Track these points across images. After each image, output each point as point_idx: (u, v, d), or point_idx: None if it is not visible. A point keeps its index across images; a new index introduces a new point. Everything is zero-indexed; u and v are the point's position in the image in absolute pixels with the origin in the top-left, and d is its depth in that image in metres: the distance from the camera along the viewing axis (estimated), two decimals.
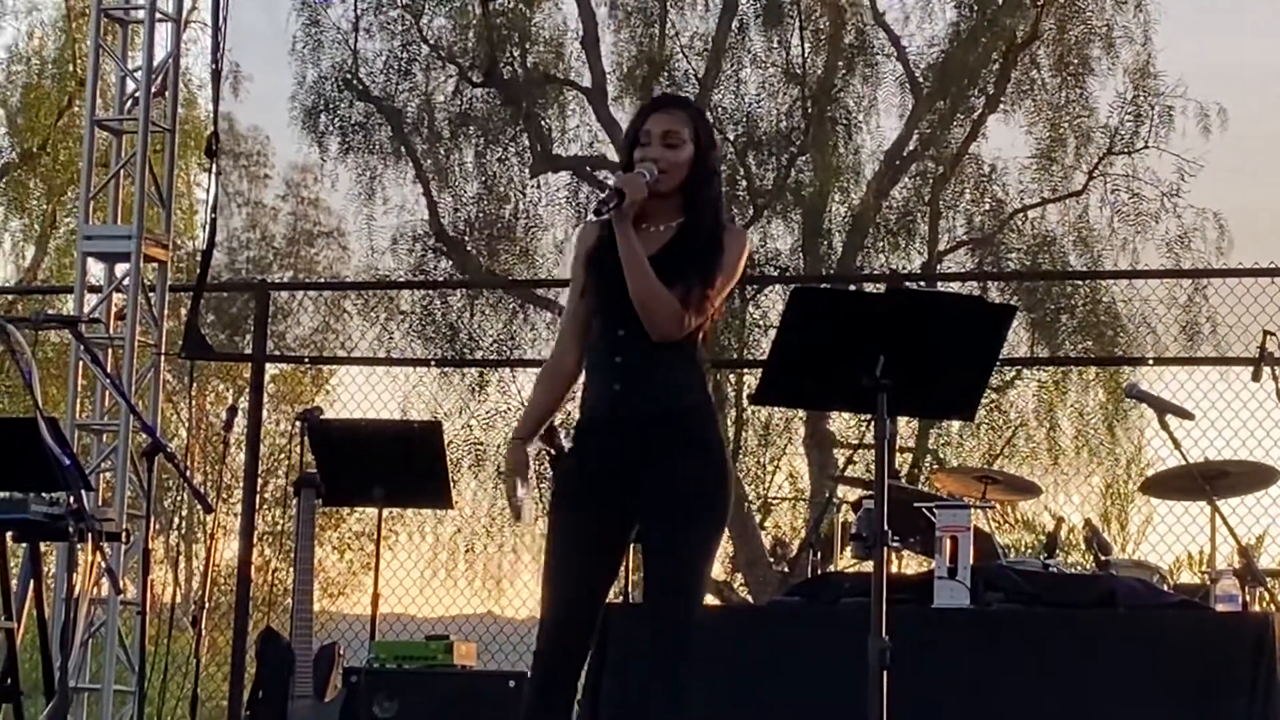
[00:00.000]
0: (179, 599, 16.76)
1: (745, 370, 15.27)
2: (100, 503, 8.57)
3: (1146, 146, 16.14)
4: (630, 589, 6.83)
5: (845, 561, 7.07)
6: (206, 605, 7.38)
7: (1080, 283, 15.68)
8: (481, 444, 16.15)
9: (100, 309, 8.83)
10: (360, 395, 11.20)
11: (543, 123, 16.77)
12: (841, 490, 7.99)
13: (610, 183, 4.44)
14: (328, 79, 16.95)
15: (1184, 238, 16.00)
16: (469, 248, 16.80)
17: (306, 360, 14.83)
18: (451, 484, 7.96)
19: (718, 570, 15.64)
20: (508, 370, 16.24)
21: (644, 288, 4.45)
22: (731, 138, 16.54)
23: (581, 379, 4.69)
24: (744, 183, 16.52)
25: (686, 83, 16.66)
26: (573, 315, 4.69)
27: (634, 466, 4.48)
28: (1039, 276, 15.97)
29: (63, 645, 6.62)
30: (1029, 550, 12.92)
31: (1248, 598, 6.40)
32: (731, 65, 16.66)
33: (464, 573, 16.00)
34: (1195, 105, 15.99)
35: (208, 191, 9.76)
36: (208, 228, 9.48)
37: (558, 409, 4.79)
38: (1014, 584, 6.22)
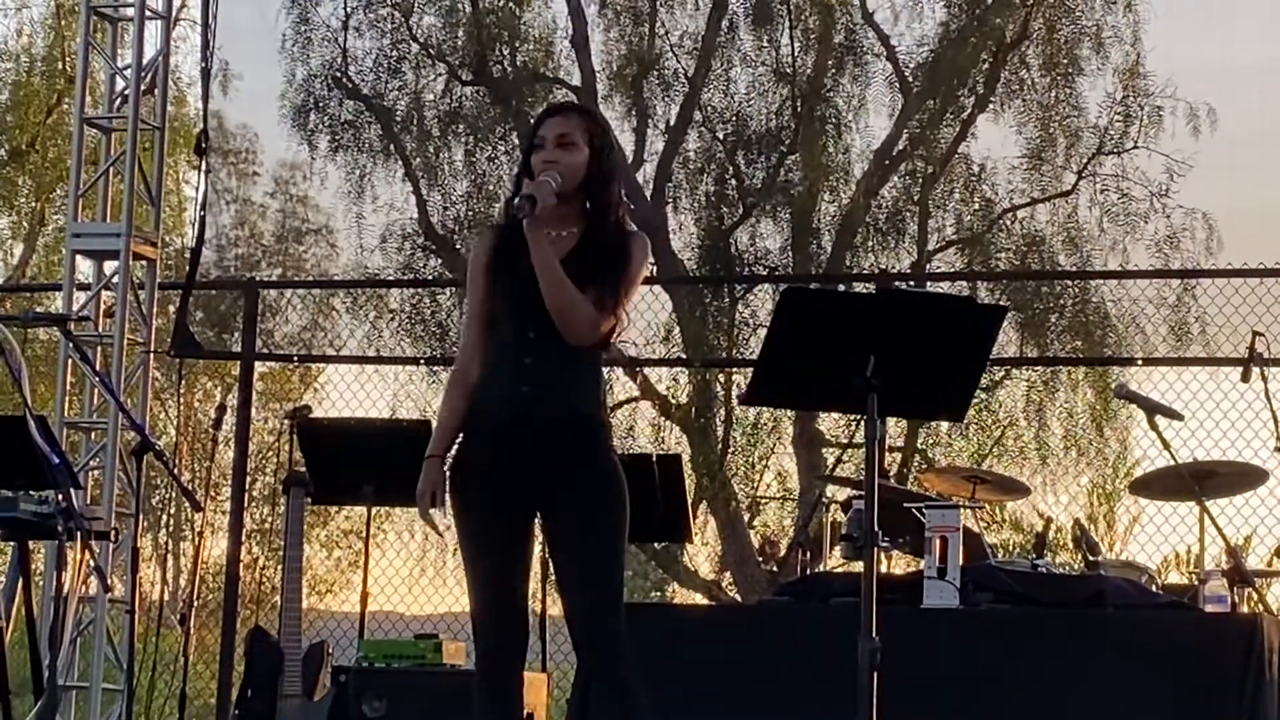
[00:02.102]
0: (167, 597, 16.75)
1: (735, 370, 15.25)
2: (89, 501, 8.57)
3: (1136, 146, 16.17)
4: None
5: (834, 561, 7.06)
6: (195, 603, 7.38)
7: (1069, 283, 15.68)
8: None
9: (89, 307, 8.81)
10: (349, 393, 11.20)
11: (532, 121, 16.73)
12: (830, 490, 7.97)
13: (524, 190, 4.48)
14: (317, 77, 16.94)
15: (1173, 238, 16.03)
16: (458, 246, 16.76)
17: (295, 358, 14.79)
18: None
19: (705, 569, 15.64)
20: None
21: (559, 295, 4.47)
22: (721, 137, 16.55)
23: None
24: (733, 181, 16.53)
25: (676, 81, 16.69)
26: (479, 322, 4.67)
27: (540, 467, 4.52)
28: (1028, 276, 15.97)
29: (51, 643, 6.62)
30: (1018, 550, 12.92)
31: (1236, 598, 6.40)
32: (721, 64, 16.67)
33: (453, 571, 15.94)
34: (1184, 105, 16.04)
35: (197, 189, 9.75)
36: (196, 225, 9.46)
37: None
38: (1003, 584, 6.22)
